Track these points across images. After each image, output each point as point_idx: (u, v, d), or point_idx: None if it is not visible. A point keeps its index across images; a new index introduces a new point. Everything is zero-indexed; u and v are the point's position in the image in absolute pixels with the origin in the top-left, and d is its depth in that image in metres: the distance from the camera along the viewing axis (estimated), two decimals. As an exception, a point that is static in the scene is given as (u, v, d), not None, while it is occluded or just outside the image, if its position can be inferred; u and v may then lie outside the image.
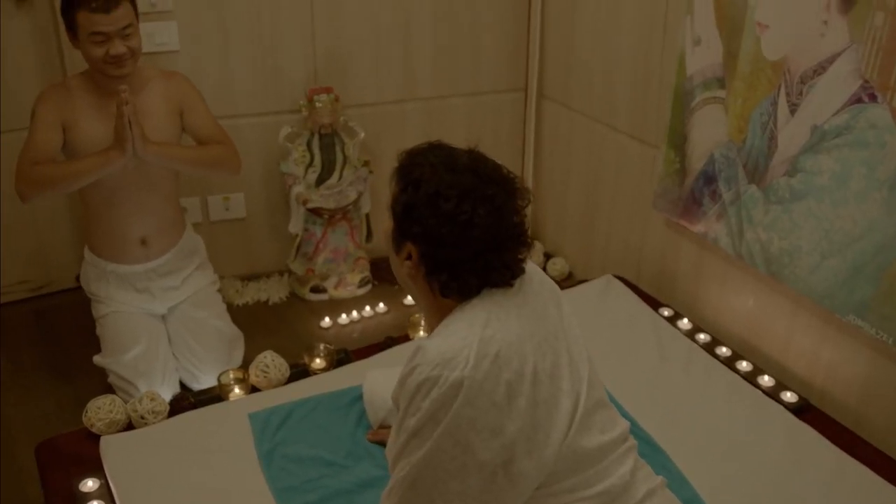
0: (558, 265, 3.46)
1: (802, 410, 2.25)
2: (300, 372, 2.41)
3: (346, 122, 3.32)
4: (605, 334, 2.53)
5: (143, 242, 2.69)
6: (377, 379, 2.20)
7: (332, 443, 2.10)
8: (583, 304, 2.67)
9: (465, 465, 1.41)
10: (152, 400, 2.22)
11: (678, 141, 2.69)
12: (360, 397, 2.22)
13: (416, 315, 2.65)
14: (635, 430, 2.10)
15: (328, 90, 3.22)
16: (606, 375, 1.73)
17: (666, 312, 2.69)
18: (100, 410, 2.17)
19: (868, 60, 2.02)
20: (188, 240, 2.83)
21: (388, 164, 3.30)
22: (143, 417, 2.19)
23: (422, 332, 2.61)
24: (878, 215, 2.07)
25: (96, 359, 2.70)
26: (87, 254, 2.76)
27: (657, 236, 2.94)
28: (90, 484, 1.98)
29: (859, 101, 2.06)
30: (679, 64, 2.63)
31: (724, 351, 2.50)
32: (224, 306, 2.90)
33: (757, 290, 2.54)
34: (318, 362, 2.45)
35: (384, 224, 1.55)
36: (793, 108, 2.25)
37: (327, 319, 3.20)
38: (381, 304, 3.28)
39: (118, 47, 2.43)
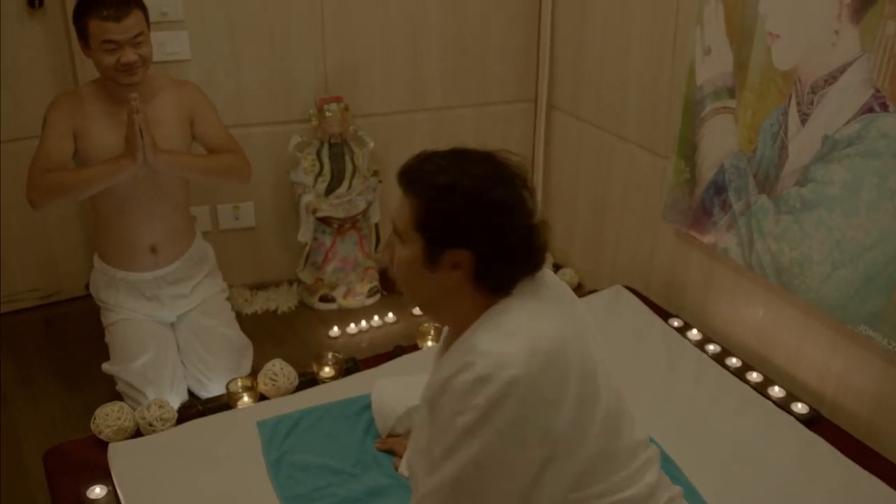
0: (567, 276, 3.45)
1: (813, 422, 2.23)
2: (309, 380, 2.41)
3: (356, 132, 3.32)
4: (615, 345, 2.52)
5: (153, 250, 2.69)
6: (386, 388, 2.20)
7: (340, 451, 2.10)
8: (592, 314, 2.62)
9: (515, 465, 1.39)
10: (160, 407, 2.22)
11: (688, 151, 2.68)
12: (368, 406, 2.22)
13: (426, 324, 2.65)
14: (645, 440, 2.09)
15: (338, 99, 3.23)
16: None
17: (676, 323, 2.68)
18: (108, 417, 2.17)
19: (879, 70, 2.01)
20: (198, 248, 2.84)
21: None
22: (151, 425, 2.19)
23: (430, 342, 2.60)
24: (890, 225, 2.06)
25: (105, 366, 2.70)
26: (97, 261, 2.76)
27: (667, 247, 2.93)
28: (98, 491, 1.97)
29: (871, 110, 2.05)
30: (689, 74, 2.62)
31: (734, 362, 2.48)
32: (233, 314, 2.91)
33: (767, 301, 2.53)
34: (327, 371, 2.44)
35: (401, 253, 1.46)
36: (804, 118, 2.24)
37: (336, 329, 3.20)
38: (390, 314, 3.28)
39: (129, 55, 2.44)
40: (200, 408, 2.30)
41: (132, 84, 2.49)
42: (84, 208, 3.12)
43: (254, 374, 2.49)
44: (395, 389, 2.16)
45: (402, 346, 2.59)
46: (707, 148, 2.61)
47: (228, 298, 2.94)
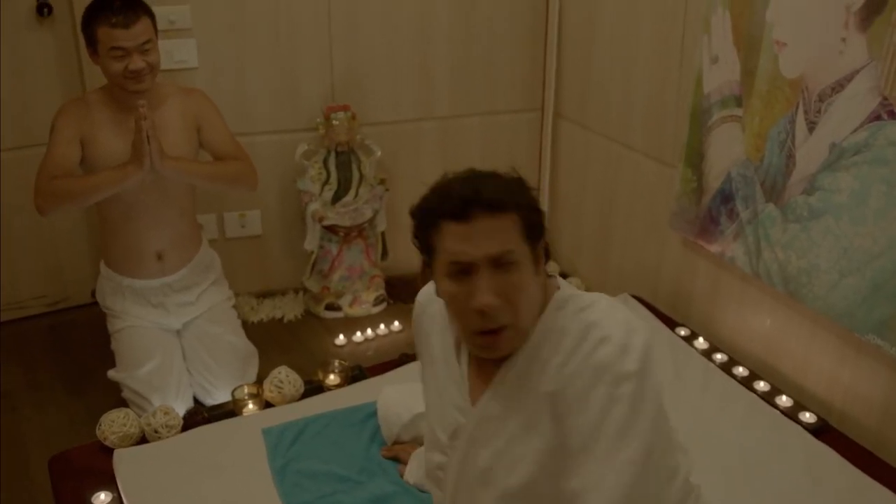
0: (574, 284, 3.44)
1: (821, 431, 2.22)
2: (314, 388, 2.41)
3: (363, 140, 3.33)
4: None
5: (160, 257, 2.69)
6: (392, 395, 2.20)
7: (345, 458, 2.09)
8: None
9: (668, 435, 1.46)
10: (166, 414, 2.21)
11: (695, 160, 2.68)
12: (374, 413, 2.21)
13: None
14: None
15: (345, 108, 3.23)
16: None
17: (682, 332, 2.67)
18: (113, 424, 2.17)
19: (887, 77, 2.01)
20: (204, 255, 2.84)
21: (404, 183, 3.37)
22: (156, 431, 2.18)
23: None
24: (898, 233, 2.05)
25: (111, 373, 2.70)
26: (104, 268, 2.76)
27: (673, 256, 2.92)
28: (103, 497, 1.97)
29: (878, 118, 2.04)
30: (696, 82, 2.62)
31: (741, 371, 2.47)
32: (239, 322, 2.91)
33: (774, 310, 2.52)
34: (333, 378, 2.44)
35: (522, 277, 1.40)
36: (811, 126, 2.24)
37: (342, 337, 3.19)
38: (396, 323, 3.28)
39: (137, 62, 2.45)
40: (206, 415, 2.30)
41: (140, 91, 2.50)
42: (91, 215, 3.13)
43: (259, 381, 2.49)
44: (400, 397, 2.16)
45: (408, 354, 2.59)
46: (714, 156, 2.60)
47: (234, 306, 2.95)
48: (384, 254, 3.44)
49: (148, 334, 2.70)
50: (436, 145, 3.48)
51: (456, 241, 1.38)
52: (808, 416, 2.26)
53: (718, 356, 2.54)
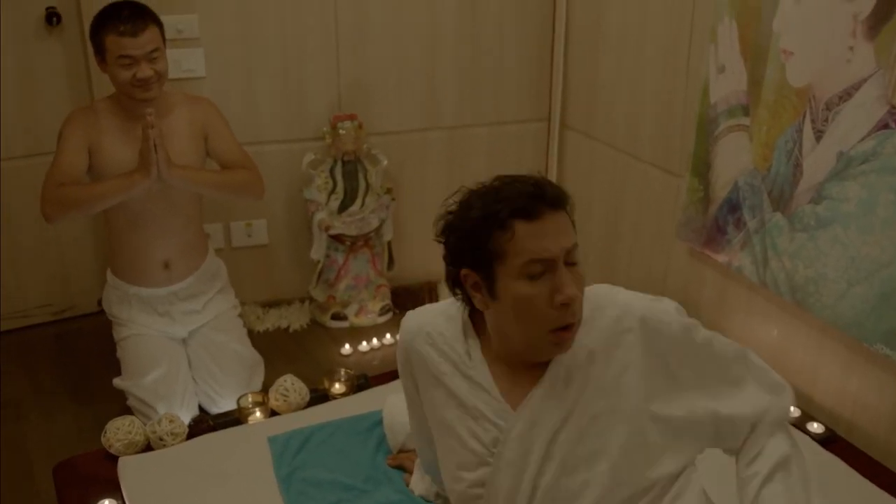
0: (580, 295, 3.44)
1: (829, 441, 2.21)
2: (320, 396, 2.40)
3: (370, 150, 3.33)
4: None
5: (166, 265, 2.70)
6: (397, 404, 2.18)
7: (351, 467, 2.08)
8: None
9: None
10: (171, 422, 2.21)
11: (702, 169, 2.68)
12: (379, 422, 2.20)
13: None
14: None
15: (352, 117, 3.24)
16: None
17: (689, 342, 2.65)
18: (119, 431, 2.16)
19: (894, 86, 2.00)
20: (210, 263, 2.84)
21: (410, 192, 3.37)
22: (161, 439, 2.18)
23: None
24: (907, 242, 2.04)
25: (116, 381, 2.70)
26: (110, 276, 2.77)
27: (680, 265, 2.92)
28: (107, 504, 1.97)
29: (886, 126, 2.04)
30: (703, 92, 2.62)
31: (748, 381, 2.46)
32: (245, 331, 2.91)
33: (782, 320, 2.51)
34: (338, 387, 2.43)
35: (581, 273, 1.50)
36: (818, 135, 2.23)
37: (347, 346, 3.19)
38: (402, 332, 3.26)
39: (145, 70, 2.46)
40: (211, 423, 2.30)
41: (147, 99, 2.50)
42: (97, 224, 3.14)
43: (265, 389, 2.49)
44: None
45: (414, 363, 2.58)
46: (721, 166, 2.60)
47: (240, 315, 2.94)
48: (390, 263, 3.44)
49: (154, 342, 2.70)
50: (442, 155, 3.48)
51: (534, 239, 1.41)
52: (815, 427, 2.25)
53: (725, 366, 2.52)
